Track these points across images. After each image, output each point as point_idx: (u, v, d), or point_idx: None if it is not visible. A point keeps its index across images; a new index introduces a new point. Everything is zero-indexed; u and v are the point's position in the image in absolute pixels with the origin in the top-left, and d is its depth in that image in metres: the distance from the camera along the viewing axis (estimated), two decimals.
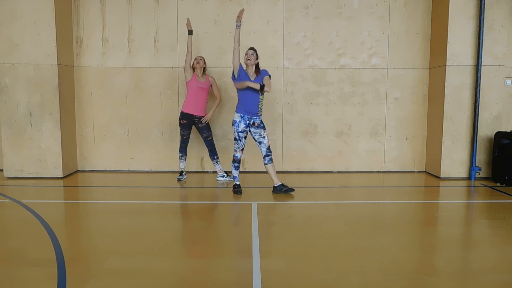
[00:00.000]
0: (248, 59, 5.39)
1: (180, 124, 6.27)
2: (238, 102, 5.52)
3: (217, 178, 6.50)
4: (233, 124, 5.52)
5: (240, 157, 5.65)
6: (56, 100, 6.44)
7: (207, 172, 7.13)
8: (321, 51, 6.94)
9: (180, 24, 6.86)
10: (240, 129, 5.47)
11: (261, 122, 5.56)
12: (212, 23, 6.87)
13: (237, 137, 5.52)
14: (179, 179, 6.48)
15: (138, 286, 3.04)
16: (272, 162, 5.65)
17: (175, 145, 7.05)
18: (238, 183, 5.74)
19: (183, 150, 6.44)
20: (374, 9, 6.92)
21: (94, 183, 6.57)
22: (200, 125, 6.25)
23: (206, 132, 6.33)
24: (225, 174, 6.51)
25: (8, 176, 6.59)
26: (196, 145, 7.03)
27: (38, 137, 6.51)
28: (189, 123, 6.24)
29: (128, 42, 6.93)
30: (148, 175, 6.93)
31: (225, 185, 6.22)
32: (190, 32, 6.14)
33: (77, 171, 7.12)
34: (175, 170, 7.10)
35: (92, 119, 7.06)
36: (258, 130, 5.53)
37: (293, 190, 5.65)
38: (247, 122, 5.46)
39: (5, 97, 6.44)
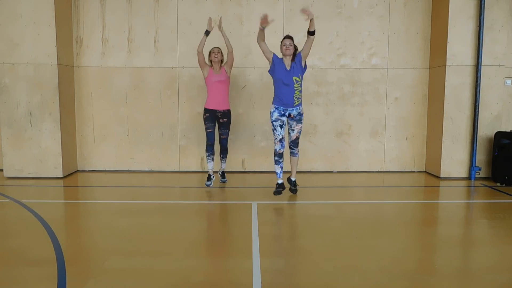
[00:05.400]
0: (287, 49, 5.20)
1: (204, 119, 6.02)
2: (274, 94, 5.38)
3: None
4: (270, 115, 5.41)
5: (279, 149, 5.35)
6: (56, 100, 6.44)
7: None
8: (321, 51, 6.94)
9: (180, 24, 6.86)
10: (274, 118, 5.31)
11: (299, 114, 5.31)
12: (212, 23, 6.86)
13: (272, 127, 5.38)
14: (207, 185, 6.13)
15: (138, 286, 3.04)
16: (294, 156, 5.49)
17: (175, 145, 7.06)
18: (279, 181, 5.47)
19: (210, 148, 6.03)
20: (374, 9, 6.92)
21: (94, 183, 6.57)
22: (221, 120, 6.03)
23: (223, 130, 6.08)
24: (219, 174, 6.40)
25: (8, 176, 6.59)
26: (196, 145, 7.03)
27: (38, 137, 6.51)
28: (211, 116, 5.99)
29: (128, 42, 6.93)
30: (148, 175, 6.93)
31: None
32: (207, 33, 5.94)
33: (77, 171, 7.12)
34: (175, 170, 7.10)
35: (92, 119, 7.06)
36: (292, 122, 5.36)
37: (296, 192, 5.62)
38: (282, 112, 5.30)
39: (5, 97, 6.43)
